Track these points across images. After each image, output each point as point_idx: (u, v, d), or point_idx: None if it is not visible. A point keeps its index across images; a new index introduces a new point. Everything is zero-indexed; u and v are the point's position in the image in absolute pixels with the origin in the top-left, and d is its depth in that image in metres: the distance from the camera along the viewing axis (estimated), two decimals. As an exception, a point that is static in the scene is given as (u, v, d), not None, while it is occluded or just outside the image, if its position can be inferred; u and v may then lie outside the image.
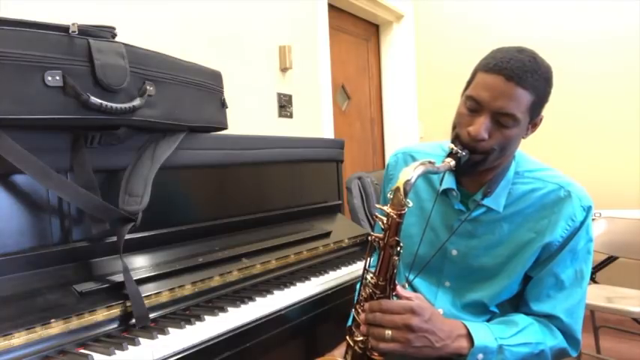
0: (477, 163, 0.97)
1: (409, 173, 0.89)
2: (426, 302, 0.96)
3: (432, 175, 1.08)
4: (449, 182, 1.06)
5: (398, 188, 0.90)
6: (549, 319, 1.02)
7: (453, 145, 0.96)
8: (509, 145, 0.97)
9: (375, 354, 0.96)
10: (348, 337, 1.02)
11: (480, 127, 0.93)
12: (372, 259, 1.01)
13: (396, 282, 0.96)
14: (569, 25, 3.09)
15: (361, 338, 0.98)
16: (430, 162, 0.92)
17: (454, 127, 1.00)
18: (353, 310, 1.03)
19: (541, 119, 1.01)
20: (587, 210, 1.01)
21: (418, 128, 3.68)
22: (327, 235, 1.69)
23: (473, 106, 0.95)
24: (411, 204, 0.90)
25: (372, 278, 0.96)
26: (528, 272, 1.04)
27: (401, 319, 0.88)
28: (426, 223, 1.06)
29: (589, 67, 3.03)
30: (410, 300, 0.92)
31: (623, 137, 2.93)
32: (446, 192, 1.07)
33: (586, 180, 3.29)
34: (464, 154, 0.95)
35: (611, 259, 2.70)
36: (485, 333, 0.95)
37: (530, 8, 3.20)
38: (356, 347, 1.00)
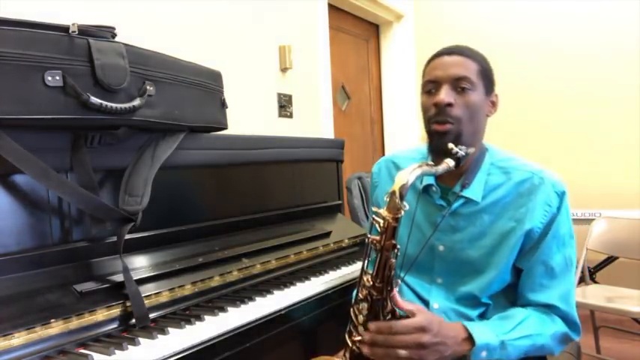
0: (457, 138, 1.00)
1: (405, 177, 0.89)
2: (429, 313, 0.97)
3: None
4: (427, 179, 1.10)
5: (394, 192, 0.89)
6: (547, 308, 1.05)
7: (452, 146, 0.98)
8: (475, 112, 1.03)
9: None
10: (347, 337, 1.03)
11: (444, 94, 1.01)
12: (367, 262, 1.01)
13: (393, 285, 0.96)
14: (569, 25, 3.09)
15: (359, 338, 0.98)
16: (428, 164, 0.94)
17: (425, 123, 1.06)
18: (351, 310, 1.03)
19: (497, 97, 1.09)
20: (562, 195, 1.04)
21: (418, 128, 3.68)
22: (327, 235, 1.69)
23: (431, 86, 1.04)
24: (407, 207, 0.90)
25: (368, 280, 0.96)
26: (517, 263, 1.07)
27: (412, 338, 0.89)
28: (411, 223, 1.09)
29: (589, 68, 3.03)
30: (413, 313, 0.93)
31: (624, 137, 2.94)
32: (427, 190, 1.11)
33: (586, 180, 3.26)
34: (463, 153, 0.97)
35: (611, 259, 2.70)
36: (485, 331, 0.96)
37: (530, 9, 3.20)
38: (354, 347, 1.01)
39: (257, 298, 1.21)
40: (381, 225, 0.92)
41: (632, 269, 2.64)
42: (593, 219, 2.45)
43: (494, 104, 1.09)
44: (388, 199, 0.91)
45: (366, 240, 0.97)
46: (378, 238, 0.94)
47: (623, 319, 2.48)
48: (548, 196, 1.04)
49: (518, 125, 3.19)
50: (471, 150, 1.01)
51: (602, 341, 2.40)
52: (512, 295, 1.10)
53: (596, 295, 2.20)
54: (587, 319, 2.33)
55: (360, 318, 0.99)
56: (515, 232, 1.04)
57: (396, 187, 0.89)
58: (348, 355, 1.03)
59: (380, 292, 0.95)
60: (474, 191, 1.07)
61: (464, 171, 1.07)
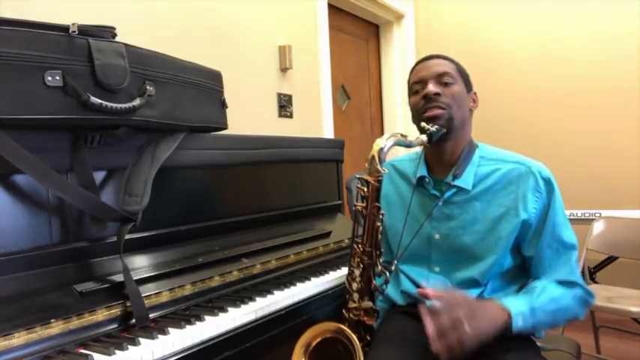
0: (449, 122, 1.10)
1: (382, 142, 1.04)
2: (464, 296, 1.01)
3: (409, 172, 1.25)
4: (421, 171, 1.20)
5: (373, 156, 1.04)
6: (562, 284, 1.11)
7: (424, 124, 1.10)
8: (460, 101, 1.14)
9: (368, 318, 1.09)
10: (343, 310, 1.14)
11: (431, 87, 1.12)
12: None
13: (381, 249, 1.09)
14: (568, 26, 3.08)
15: (355, 305, 1.11)
16: (402, 135, 1.05)
17: (416, 118, 1.16)
18: (345, 281, 1.14)
19: (476, 95, 1.21)
20: (548, 181, 1.12)
21: (418, 128, 3.68)
22: (327, 235, 1.69)
23: (418, 86, 1.16)
24: (386, 171, 1.05)
25: (359, 247, 1.08)
26: (524, 252, 1.14)
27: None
28: (406, 213, 1.17)
29: (588, 67, 3.02)
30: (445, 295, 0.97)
31: (623, 137, 2.93)
32: (421, 182, 1.20)
33: (586, 180, 3.25)
34: (434, 129, 1.08)
35: (611, 259, 2.70)
36: (515, 301, 1.03)
37: (529, 9, 3.20)
38: (350, 315, 1.12)
39: (257, 298, 1.21)
40: (365, 190, 1.05)
41: (632, 269, 2.64)
42: (593, 219, 2.45)
43: (474, 101, 1.21)
44: (369, 164, 1.05)
45: (353, 208, 1.10)
46: (364, 204, 1.07)
47: (623, 319, 2.48)
48: (536, 183, 1.11)
49: (517, 125, 3.18)
50: (443, 130, 1.10)
51: (602, 341, 2.40)
52: (508, 273, 1.16)
53: (596, 295, 2.19)
54: (587, 319, 2.32)
55: (354, 285, 1.11)
56: (507, 219, 1.11)
57: (374, 152, 1.04)
58: (347, 323, 1.12)
59: (370, 256, 1.08)
60: (464, 180, 1.14)
61: (455, 163, 1.16)
